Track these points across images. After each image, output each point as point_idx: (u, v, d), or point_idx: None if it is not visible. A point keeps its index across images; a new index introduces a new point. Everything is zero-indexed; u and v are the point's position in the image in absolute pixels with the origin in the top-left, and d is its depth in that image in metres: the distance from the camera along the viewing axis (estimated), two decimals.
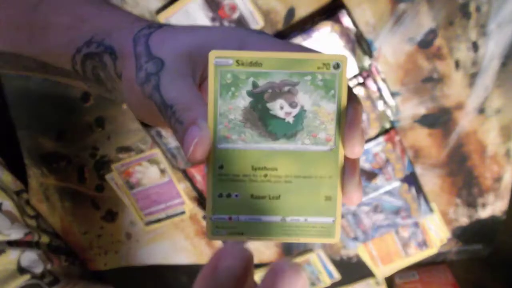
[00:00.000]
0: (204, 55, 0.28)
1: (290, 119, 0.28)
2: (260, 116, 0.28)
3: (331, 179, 0.28)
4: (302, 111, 0.28)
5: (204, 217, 0.71)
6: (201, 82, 0.30)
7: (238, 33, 0.30)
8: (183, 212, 0.70)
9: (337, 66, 0.27)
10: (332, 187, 0.28)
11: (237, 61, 0.27)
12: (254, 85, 0.27)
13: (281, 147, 0.28)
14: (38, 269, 0.63)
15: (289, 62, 0.27)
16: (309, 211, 0.28)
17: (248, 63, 0.27)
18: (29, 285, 0.62)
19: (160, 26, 0.32)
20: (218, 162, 0.28)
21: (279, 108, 0.28)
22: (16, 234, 0.63)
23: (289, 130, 0.28)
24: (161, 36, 0.31)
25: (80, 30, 0.34)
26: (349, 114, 0.28)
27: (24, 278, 0.61)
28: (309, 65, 0.27)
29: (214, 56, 0.27)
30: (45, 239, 0.69)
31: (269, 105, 0.28)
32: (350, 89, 0.28)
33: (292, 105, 0.28)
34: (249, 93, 0.27)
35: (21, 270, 0.62)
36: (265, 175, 0.28)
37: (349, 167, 0.28)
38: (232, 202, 0.28)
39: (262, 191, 0.28)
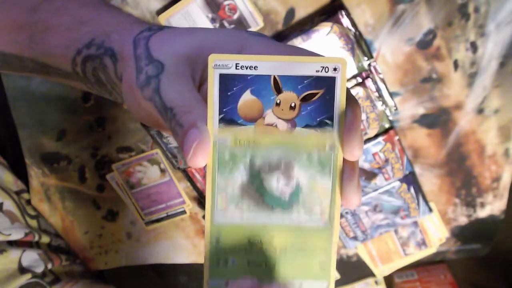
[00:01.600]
0: (203, 57, 0.28)
1: (286, 197, 0.28)
2: (257, 188, 0.28)
3: (325, 249, 0.29)
4: (298, 187, 0.28)
5: (203, 217, 0.71)
6: (201, 84, 0.31)
7: (238, 36, 0.30)
8: (183, 212, 0.71)
9: (336, 69, 0.27)
10: (326, 255, 0.29)
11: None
12: (251, 164, 0.28)
13: (277, 221, 0.29)
14: (39, 269, 0.64)
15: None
16: (304, 276, 0.29)
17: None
18: (30, 284, 0.62)
19: (160, 28, 0.32)
20: (214, 236, 0.29)
21: (276, 182, 0.28)
22: (16, 234, 0.64)
23: (285, 204, 0.29)
24: (161, 39, 0.31)
25: (80, 32, 0.34)
26: (348, 117, 0.28)
27: (25, 278, 0.61)
28: (307, 68, 0.27)
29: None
30: (45, 239, 0.70)
31: (265, 180, 0.28)
32: (348, 92, 0.28)
33: (289, 180, 0.28)
34: (246, 169, 0.28)
35: (22, 270, 0.62)
36: (261, 246, 0.29)
37: (348, 170, 0.28)
38: (229, 268, 0.29)
39: (258, 259, 0.29)
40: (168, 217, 0.71)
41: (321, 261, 0.29)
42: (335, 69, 0.27)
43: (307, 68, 0.27)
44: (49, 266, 0.66)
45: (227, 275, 0.29)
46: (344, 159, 0.28)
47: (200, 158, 0.26)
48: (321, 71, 0.27)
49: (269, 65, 0.27)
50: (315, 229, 0.29)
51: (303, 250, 0.29)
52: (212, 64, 0.27)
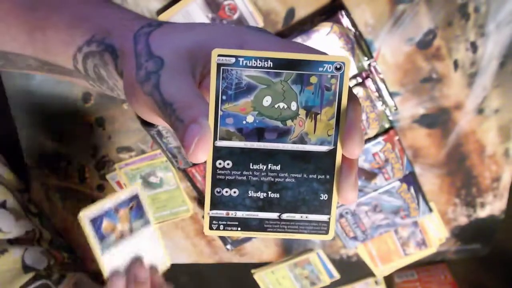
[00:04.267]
0: (204, 52, 0.28)
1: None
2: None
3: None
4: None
5: (203, 217, 0.71)
6: (201, 80, 0.30)
7: (238, 31, 0.30)
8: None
9: (339, 67, 0.27)
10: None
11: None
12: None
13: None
14: (42, 265, 0.64)
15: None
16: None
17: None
18: (39, 286, 0.62)
19: (161, 24, 0.32)
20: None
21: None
22: (18, 231, 0.64)
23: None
24: (161, 34, 0.31)
25: (80, 29, 0.34)
26: (349, 115, 0.28)
27: (29, 276, 0.61)
28: (311, 66, 0.27)
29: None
30: (47, 236, 0.70)
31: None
32: (350, 90, 0.28)
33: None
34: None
35: (26, 268, 0.62)
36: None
37: (346, 167, 0.28)
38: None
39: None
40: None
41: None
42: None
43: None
44: (52, 262, 0.66)
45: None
46: (343, 157, 0.28)
47: (201, 154, 0.26)
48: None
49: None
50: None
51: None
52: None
